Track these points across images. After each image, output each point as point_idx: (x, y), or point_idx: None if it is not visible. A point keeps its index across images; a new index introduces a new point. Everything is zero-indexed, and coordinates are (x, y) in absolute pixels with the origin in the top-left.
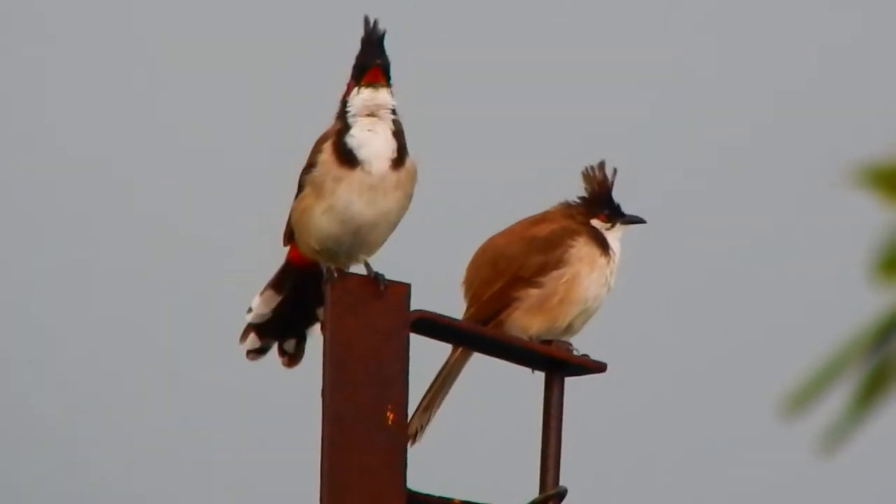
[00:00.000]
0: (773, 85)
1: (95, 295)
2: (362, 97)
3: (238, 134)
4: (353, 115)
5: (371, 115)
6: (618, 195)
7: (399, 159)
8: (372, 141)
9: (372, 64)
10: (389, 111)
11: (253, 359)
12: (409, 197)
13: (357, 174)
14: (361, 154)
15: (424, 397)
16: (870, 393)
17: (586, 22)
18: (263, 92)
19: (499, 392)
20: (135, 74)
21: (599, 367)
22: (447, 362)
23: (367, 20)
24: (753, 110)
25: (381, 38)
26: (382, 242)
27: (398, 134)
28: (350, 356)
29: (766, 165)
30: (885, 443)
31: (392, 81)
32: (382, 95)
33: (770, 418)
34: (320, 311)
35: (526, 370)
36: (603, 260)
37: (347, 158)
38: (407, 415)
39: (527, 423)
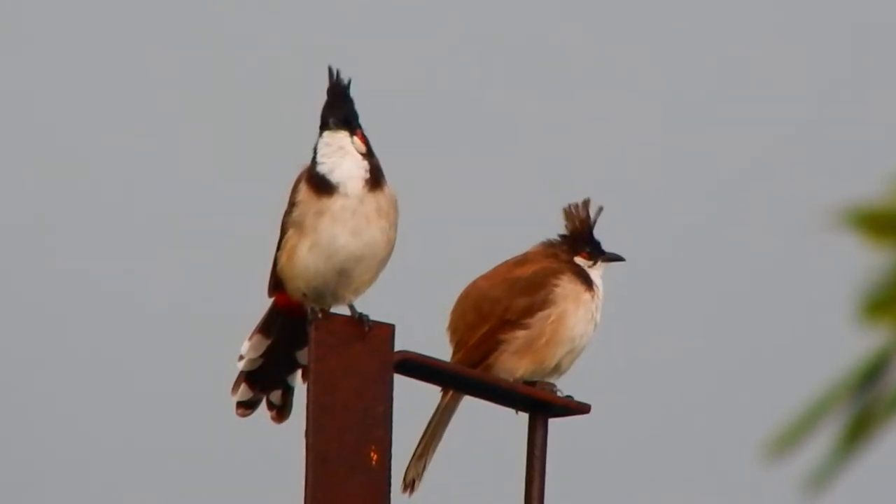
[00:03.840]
0: (759, 125)
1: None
2: (324, 140)
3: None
4: (320, 156)
5: (335, 151)
6: (598, 233)
7: (374, 181)
8: (342, 164)
9: (330, 119)
10: (353, 150)
11: (243, 414)
12: (393, 228)
13: (336, 201)
14: (334, 178)
15: (418, 446)
16: (855, 435)
17: (568, 67)
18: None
19: (482, 433)
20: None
21: (583, 409)
22: (437, 409)
23: (330, 71)
24: (740, 151)
25: (346, 88)
26: (370, 282)
27: (369, 158)
28: (334, 397)
29: (753, 207)
30: (870, 485)
31: (357, 127)
32: (340, 136)
33: (755, 460)
34: (301, 355)
35: (510, 411)
36: (587, 296)
37: (322, 186)
38: (390, 455)
39: (510, 464)
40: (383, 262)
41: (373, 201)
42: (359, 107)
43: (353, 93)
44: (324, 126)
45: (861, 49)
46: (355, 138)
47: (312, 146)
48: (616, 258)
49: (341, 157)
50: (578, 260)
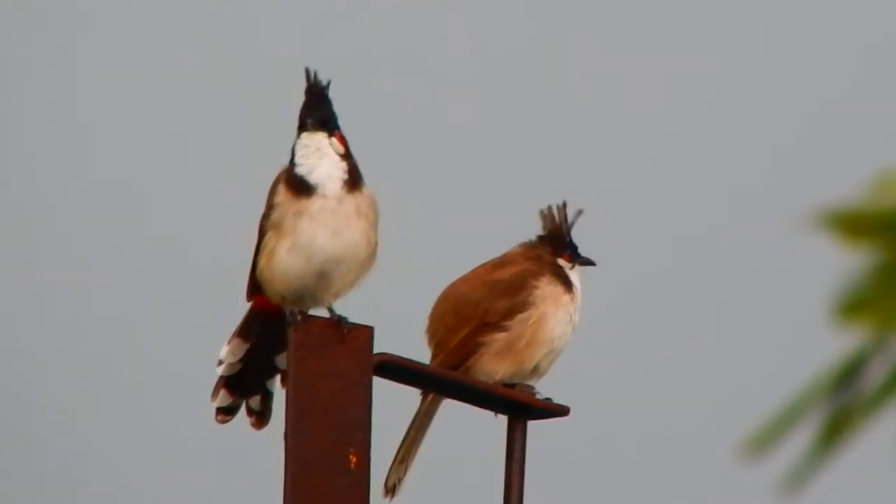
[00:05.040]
0: (743, 126)
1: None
2: (302, 141)
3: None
4: (298, 157)
5: (313, 152)
6: (574, 236)
7: (353, 182)
8: (320, 165)
9: (308, 120)
10: (331, 151)
11: (222, 421)
12: (374, 229)
13: (315, 202)
14: (313, 179)
15: (398, 450)
16: (831, 436)
17: (554, 71)
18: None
19: (462, 435)
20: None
21: (562, 411)
22: (417, 413)
23: (308, 72)
24: (719, 151)
25: (324, 89)
26: (351, 284)
27: (347, 159)
28: (313, 400)
29: (733, 209)
30: (847, 486)
31: (336, 128)
32: (318, 137)
33: (733, 460)
34: (280, 360)
35: (489, 413)
36: (567, 297)
37: (301, 187)
38: (369, 458)
39: (490, 466)
40: (365, 265)
41: (352, 202)
42: (338, 107)
43: (331, 94)
44: (301, 127)
45: (853, 65)
46: (333, 139)
47: (290, 147)
48: (588, 262)
49: (319, 158)
50: (560, 262)
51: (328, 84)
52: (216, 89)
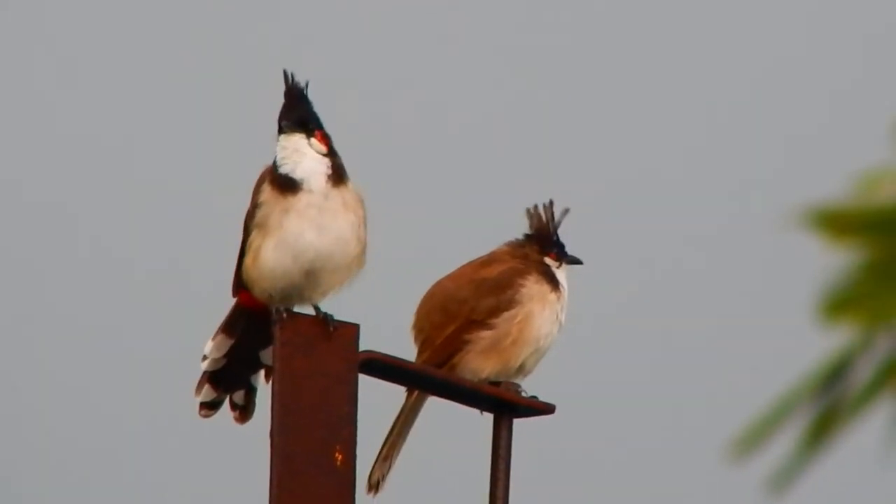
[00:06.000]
0: (741, 127)
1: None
2: (280, 143)
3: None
4: (279, 159)
5: (291, 153)
6: (561, 234)
7: (338, 177)
8: (303, 161)
9: (283, 122)
10: (310, 151)
11: (206, 415)
12: (363, 225)
13: (301, 199)
14: (297, 174)
15: (383, 447)
16: (817, 435)
17: (535, 72)
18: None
19: (447, 433)
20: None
21: (548, 409)
22: (402, 410)
23: (285, 74)
24: (700, 145)
25: (301, 91)
26: (340, 284)
27: (331, 157)
28: (299, 397)
29: (718, 207)
30: (833, 485)
31: (317, 128)
32: (295, 139)
33: (720, 460)
34: (264, 355)
35: (474, 411)
36: (553, 296)
37: (286, 185)
38: (355, 455)
39: (475, 464)
40: (354, 263)
41: (338, 196)
42: (326, 107)
43: (311, 95)
44: (279, 129)
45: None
46: (313, 139)
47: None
48: (575, 261)
49: (300, 158)
50: (547, 260)
51: (306, 85)
52: (214, 90)
